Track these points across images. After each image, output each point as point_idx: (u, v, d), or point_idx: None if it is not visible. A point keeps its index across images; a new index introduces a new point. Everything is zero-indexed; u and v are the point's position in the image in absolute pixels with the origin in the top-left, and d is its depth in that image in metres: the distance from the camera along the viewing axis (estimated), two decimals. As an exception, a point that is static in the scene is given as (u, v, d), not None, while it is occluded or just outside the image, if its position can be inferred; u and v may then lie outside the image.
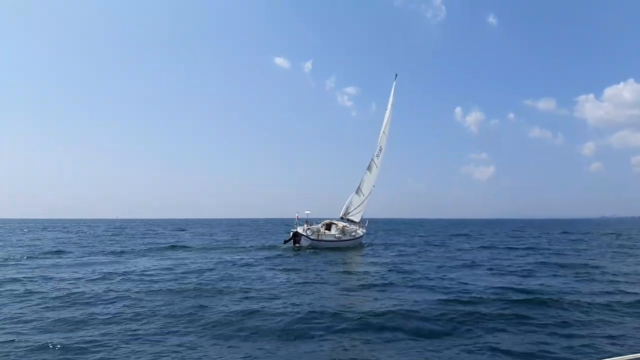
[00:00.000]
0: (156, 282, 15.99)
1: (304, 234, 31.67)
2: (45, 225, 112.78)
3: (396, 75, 41.09)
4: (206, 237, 49.57)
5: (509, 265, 21.08)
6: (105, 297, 12.98)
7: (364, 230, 37.92)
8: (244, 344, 8.76)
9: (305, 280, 16.34)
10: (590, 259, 24.11)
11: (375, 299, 12.98)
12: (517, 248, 33.12)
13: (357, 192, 38.77)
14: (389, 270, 19.61)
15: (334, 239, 33.30)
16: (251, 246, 34.92)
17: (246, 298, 12.96)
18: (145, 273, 18.32)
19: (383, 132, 39.60)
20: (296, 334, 9.25)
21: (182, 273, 18.34)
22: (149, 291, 13.90)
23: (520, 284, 15.18)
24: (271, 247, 33.38)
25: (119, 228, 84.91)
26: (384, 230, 67.94)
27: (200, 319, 10.39)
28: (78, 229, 77.47)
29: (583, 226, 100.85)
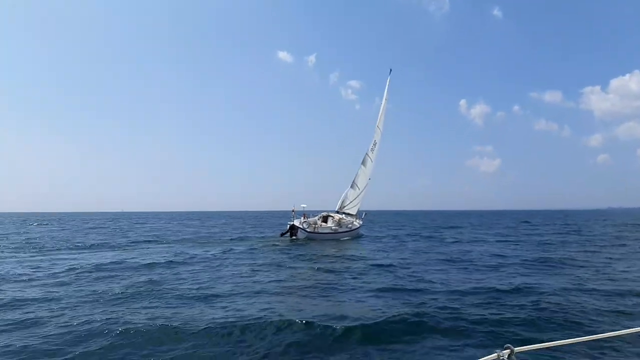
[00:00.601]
0: (96, 280, 15.06)
1: (301, 226, 31.61)
2: (45, 218, 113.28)
3: (390, 70, 42.29)
4: (192, 229, 48.97)
5: (481, 259, 20.12)
6: (17, 300, 11.78)
7: (361, 222, 38.25)
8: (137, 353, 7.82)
9: (255, 280, 15.27)
10: (575, 252, 23.09)
11: (310, 302, 11.89)
12: (505, 241, 32.13)
13: (352, 186, 39.50)
14: (356, 266, 18.63)
15: (330, 231, 33.11)
16: (231, 239, 34.24)
17: (176, 298, 12.02)
18: (97, 269, 17.44)
19: (377, 126, 40.12)
20: (200, 342, 8.32)
21: (133, 269, 17.48)
22: (75, 292, 12.93)
23: (479, 282, 14.11)
24: (251, 240, 32.61)
25: (113, 220, 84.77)
26: (381, 223, 67.09)
27: (103, 326, 9.20)
28: (72, 222, 77.54)
29: (586, 217, 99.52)
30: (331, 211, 37.25)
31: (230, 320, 9.46)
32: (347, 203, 38.50)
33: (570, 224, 58.70)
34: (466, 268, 17.48)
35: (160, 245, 28.79)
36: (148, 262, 19.49)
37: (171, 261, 19.73)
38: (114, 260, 19.99)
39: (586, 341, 3.48)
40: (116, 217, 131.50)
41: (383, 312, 10.03)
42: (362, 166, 38.92)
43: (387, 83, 40.96)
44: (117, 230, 49.89)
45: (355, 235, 35.29)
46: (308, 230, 31.69)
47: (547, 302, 10.81)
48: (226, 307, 10.94)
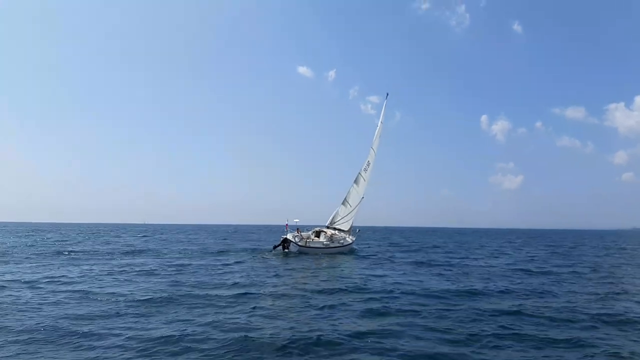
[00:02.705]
0: None
1: (293, 240, 32.72)
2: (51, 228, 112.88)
3: (387, 94, 41.78)
4: (146, 243, 47.35)
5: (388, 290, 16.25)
6: None
7: (353, 238, 38.68)
8: None
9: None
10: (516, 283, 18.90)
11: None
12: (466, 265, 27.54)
13: (343, 203, 39.44)
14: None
15: (322, 245, 34.06)
16: (173, 252, 33.49)
17: None
18: None
19: (372, 147, 40.03)
20: None
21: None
22: None
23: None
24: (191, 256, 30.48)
25: (92, 233, 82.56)
26: (378, 240, 64.12)
27: None
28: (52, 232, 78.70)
29: (602, 238, 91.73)
30: (323, 226, 38.12)
31: None
32: (338, 219, 38.94)
33: (568, 246, 52.29)
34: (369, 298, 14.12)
35: (59, 259, 26.40)
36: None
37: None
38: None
39: None
40: (99, 228, 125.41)
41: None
42: (354, 184, 39.56)
43: (384, 106, 41.43)
44: (72, 241, 48.17)
45: (347, 251, 35.67)
46: (300, 244, 32.58)
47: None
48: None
